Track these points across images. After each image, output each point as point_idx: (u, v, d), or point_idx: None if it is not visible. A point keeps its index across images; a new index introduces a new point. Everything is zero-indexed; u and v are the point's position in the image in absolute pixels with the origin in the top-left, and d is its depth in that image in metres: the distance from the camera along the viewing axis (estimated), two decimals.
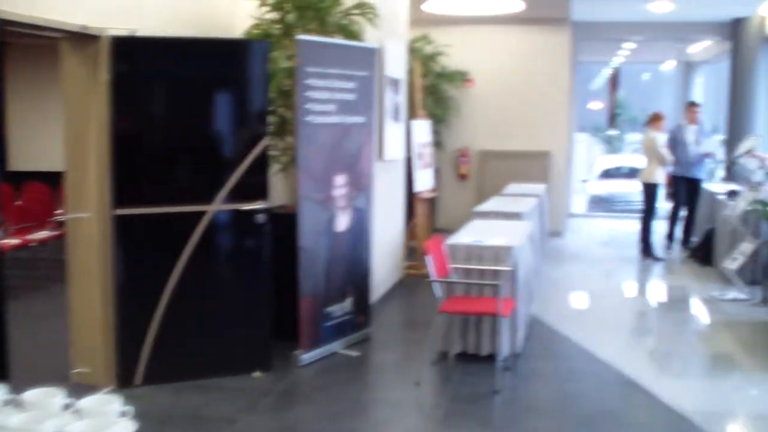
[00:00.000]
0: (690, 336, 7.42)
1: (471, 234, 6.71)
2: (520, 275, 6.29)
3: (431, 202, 10.97)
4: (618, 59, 22.40)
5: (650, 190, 10.69)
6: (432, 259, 5.81)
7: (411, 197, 9.83)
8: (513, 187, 11.02)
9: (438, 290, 5.88)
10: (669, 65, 24.97)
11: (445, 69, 12.37)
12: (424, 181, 9.88)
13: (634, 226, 14.23)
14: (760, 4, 12.78)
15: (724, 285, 8.96)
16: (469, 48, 12.70)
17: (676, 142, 10.87)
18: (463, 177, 12.94)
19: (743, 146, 8.57)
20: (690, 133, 11.09)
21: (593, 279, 9.73)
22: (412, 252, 9.88)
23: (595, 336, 7.14)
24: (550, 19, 12.47)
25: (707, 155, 11.14)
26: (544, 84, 12.66)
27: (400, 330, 7.82)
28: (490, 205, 9.07)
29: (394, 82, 8.50)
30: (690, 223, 11.41)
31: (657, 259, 10.73)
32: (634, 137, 28.16)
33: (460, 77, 12.44)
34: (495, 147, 12.82)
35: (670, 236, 11.47)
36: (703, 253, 10.39)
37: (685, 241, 11.47)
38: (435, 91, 12.26)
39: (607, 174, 20.58)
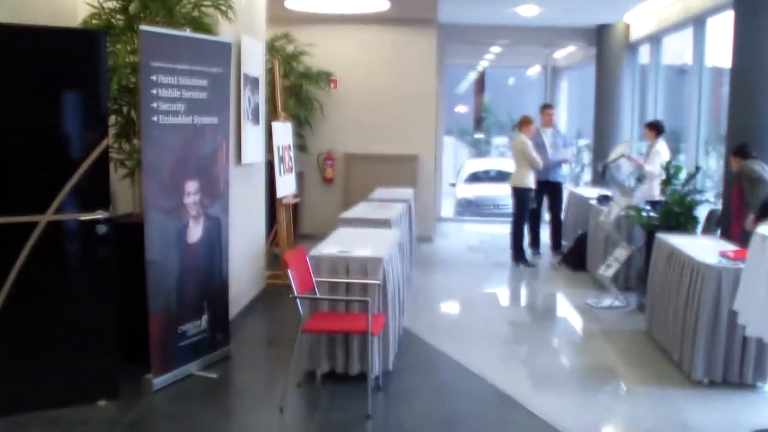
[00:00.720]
0: (567, 347, 7.17)
1: (337, 244, 6.22)
2: (390, 288, 5.84)
3: (295, 208, 10.45)
4: (484, 63, 22.45)
5: (521, 194, 10.49)
6: (293, 274, 5.28)
7: (273, 203, 9.27)
8: (380, 192, 10.63)
9: (302, 307, 5.36)
10: (534, 70, 25.29)
11: (309, 69, 11.86)
12: (286, 186, 9.33)
13: (504, 230, 14.21)
14: (625, 11, 12.90)
15: (598, 292, 8.83)
16: (333, 48, 12.24)
17: (535, 146, 10.74)
18: (328, 181, 12.46)
19: (615, 152, 8.43)
20: (546, 136, 10.99)
21: (465, 287, 9.41)
22: (275, 260, 9.32)
23: (469, 349, 6.79)
24: (418, 20, 12.15)
25: (562, 161, 11.10)
26: (411, 86, 12.33)
27: (263, 347, 7.24)
28: (357, 211, 8.63)
29: (253, 81, 7.91)
30: (557, 227, 11.32)
31: (529, 265, 10.54)
32: (500, 141, 28.43)
33: (324, 78, 11.96)
34: (361, 150, 12.40)
35: (535, 242, 11.30)
36: (575, 258, 10.28)
37: (555, 246, 11.37)
38: (298, 92, 11.73)
39: (475, 177, 20.54)
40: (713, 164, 11.22)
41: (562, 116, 20.33)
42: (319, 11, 11.33)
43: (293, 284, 5.26)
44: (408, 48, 12.30)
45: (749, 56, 7.91)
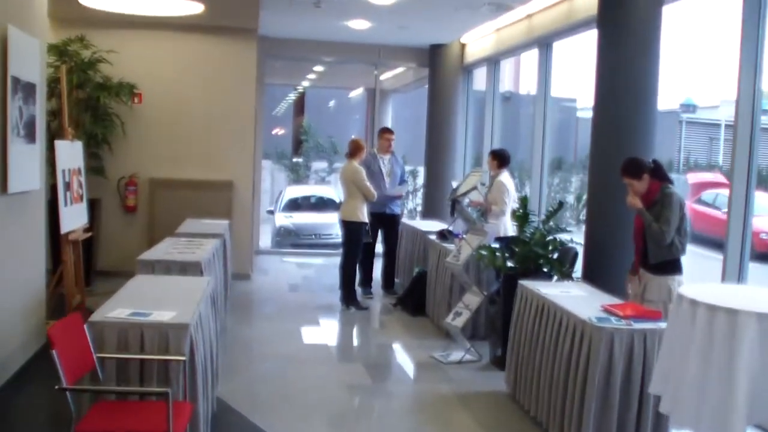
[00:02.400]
0: (418, 417, 5.95)
1: (130, 302, 4.70)
2: (199, 364, 4.41)
3: (89, 241, 8.74)
4: (306, 83, 21.26)
5: (353, 229, 9.25)
6: (60, 357, 3.74)
7: (58, 238, 7.56)
8: (190, 224, 9.11)
9: (73, 403, 3.83)
10: (357, 92, 24.40)
11: (109, 80, 10.15)
12: (74, 219, 7.62)
13: (328, 262, 13.01)
14: (463, 30, 12.07)
15: (445, 342, 7.73)
16: (138, 56, 10.56)
17: (370, 174, 9.60)
18: (130, 209, 10.73)
19: (466, 184, 7.33)
20: (384, 164, 9.88)
21: (290, 338, 8.01)
22: (61, 305, 7.62)
23: (298, 426, 5.43)
24: (237, 30, 10.71)
25: (396, 197, 10.02)
26: (228, 104, 10.85)
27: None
28: (161, 250, 7.09)
29: (26, 88, 6.22)
30: (391, 264, 10.18)
31: (361, 308, 9.31)
32: (320, 165, 27.31)
33: (126, 90, 10.24)
34: (169, 175, 10.75)
35: (368, 281, 10.09)
36: (413, 300, 9.16)
37: (388, 284, 10.22)
38: (95, 106, 9.99)
39: (295, 204, 19.23)
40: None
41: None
42: (122, 12, 9.66)
43: (60, 371, 3.72)
44: (225, 61, 10.82)
45: (614, 79, 7.08)
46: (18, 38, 5.97)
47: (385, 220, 9.86)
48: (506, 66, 13.44)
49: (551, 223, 6.98)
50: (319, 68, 16.84)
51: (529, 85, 15.63)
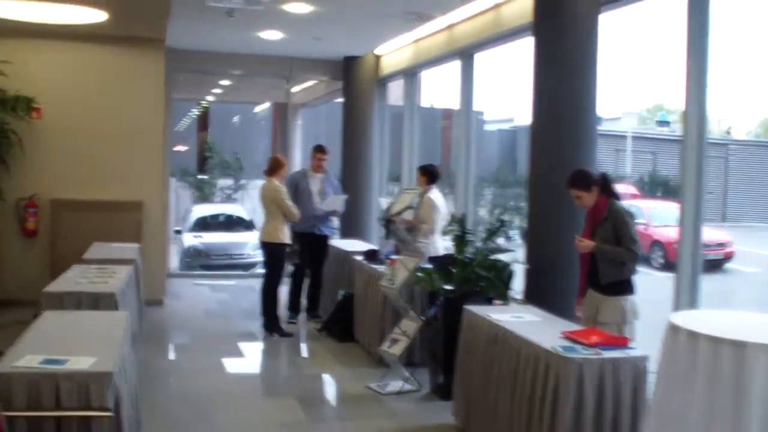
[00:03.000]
0: None
1: (41, 345, 4.08)
2: (125, 415, 3.83)
3: None
4: (210, 97, 20.54)
5: (274, 251, 8.71)
6: None
7: None
8: (98, 249, 8.44)
9: None
10: (263, 107, 23.79)
11: (3, 93, 9.34)
12: None
13: (243, 284, 12.41)
14: (379, 41, 11.68)
15: (379, 370, 7.26)
16: (36, 68, 9.79)
17: (298, 193, 9.08)
18: (30, 233, 9.91)
19: (399, 202, 6.88)
20: (315, 183, 9.36)
21: (213, 371, 7.38)
22: None
23: None
24: (144, 40, 10.04)
25: (332, 213, 9.49)
26: (135, 119, 10.15)
27: None
28: (69, 280, 6.40)
29: None
30: (316, 287, 9.65)
31: (284, 335, 8.76)
32: (225, 183, 26.55)
33: (23, 105, 9.44)
34: (73, 195, 9.97)
35: (295, 306, 9.54)
36: (340, 326, 8.65)
37: (312, 308, 9.68)
38: None
39: (204, 224, 18.48)
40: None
41: (296, 157, 18.96)
42: (17, 19, 8.88)
43: None
44: (132, 73, 10.12)
45: (553, 90, 6.79)
46: None
47: (313, 241, 9.32)
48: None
49: (492, 242, 6.62)
50: (225, 82, 16.21)
51: (437, 99, 15.39)
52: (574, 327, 5.16)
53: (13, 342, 7.56)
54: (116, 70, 10.10)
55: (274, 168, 8.70)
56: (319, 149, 9.47)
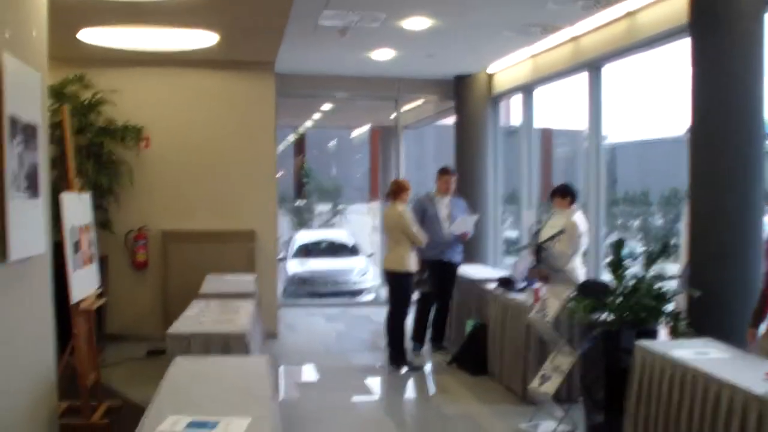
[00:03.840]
0: None
1: (177, 401, 3.55)
2: None
3: (98, 311, 7.57)
4: (310, 123, 20.23)
5: (400, 280, 8.12)
6: None
7: (66, 308, 6.38)
8: (213, 281, 8.01)
9: None
10: (359, 131, 23.41)
11: (112, 123, 9.08)
12: (85, 284, 6.46)
13: (353, 312, 11.91)
14: (490, 59, 11.08)
15: (520, 407, 6.60)
16: (144, 96, 9.51)
17: (426, 218, 8.50)
18: (140, 266, 9.59)
19: (550, 227, 6.17)
20: (443, 207, 8.77)
21: (342, 413, 6.81)
22: (72, 384, 6.44)
23: None
24: (253, 64, 9.69)
25: (462, 236, 8.85)
26: (245, 146, 9.79)
27: None
28: (191, 320, 5.91)
29: (27, 130, 5.08)
30: (443, 317, 9.01)
31: (414, 369, 8.16)
32: (323, 208, 26.30)
33: (132, 134, 9.17)
34: (183, 226, 9.64)
35: (421, 336, 8.92)
36: (472, 358, 8.01)
37: (437, 339, 9.04)
38: (98, 153, 8.91)
39: (306, 250, 18.08)
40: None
41: None
42: (125, 47, 8.60)
43: None
44: (241, 98, 9.77)
45: (715, 95, 6.05)
46: (16, 69, 4.86)
47: (442, 268, 8.71)
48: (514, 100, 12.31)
49: (655, 269, 5.88)
50: (327, 106, 15.81)
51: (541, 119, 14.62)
52: None
53: (128, 381, 7.27)
54: (227, 96, 9.76)
55: (397, 192, 8.15)
56: (445, 171, 8.89)
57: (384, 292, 16.33)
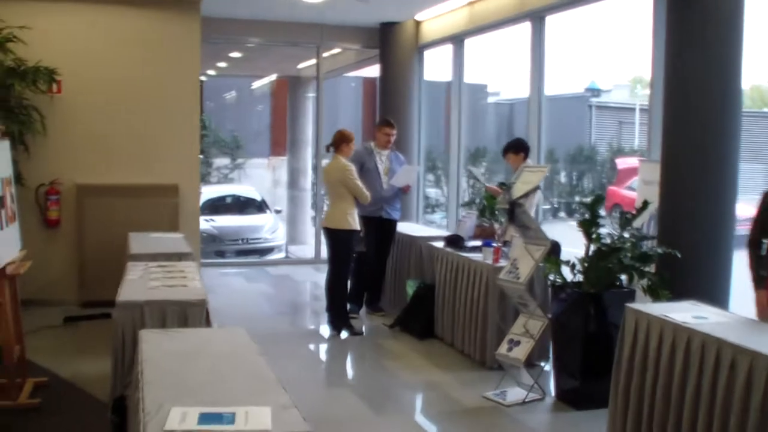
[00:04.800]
0: None
1: (173, 390, 3.04)
2: None
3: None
4: (213, 71, 19.31)
5: (342, 238, 7.65)
6: None
7: None
8: (140, 241, 7.33)
9: None
10: (261, 82, 22.58)
11: (22, 64, 8.21)
12: (10, 246, 5.74)
13: (277, 272, 11.42)
14: (420, 6, 10.62)
15: (482, 373, 6.38)
16: (58, 35, 8.64)
17: (363, 172, 8.05)
18: (53, 224, 8.79)
19: (524, 183, 5.78)
20: (382, 161, 8.34)
21: (297, 388, 6.30)
22: None
23: None
24: (178, 3, 8.93)
25: (404, 189, 8.45)
26: (169, 93, 9.06)
27: None
28: (139, 286, 5.27)
29: None
30: (380, 278, 8.62)
31: (355, 333, 7.76)
32: (221, 162, 25.32)
33: (45, 77, 8.31)
34: (98, 180, 8.87)
35: (358, 298, 8.51)
36: (416, 320, 7.67)
37: (374, 301, 8.66)
38: (5, 97, 8.05)
39: (213, 207, 17.30)
40: None
41: (308, 133, 17.90)
42: None
43: None
44: (165, 41, 9.02)
45: (692, 59, 5.81)
46: None
47: (380, 226, 8.30)
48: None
49: (634, 228, 5.65)
50: (236, 54, 15.03)
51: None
52: None
53: (50, 353, 6.59)
54: (149, 38, 8.98)
55: (339, 143, 7.63)
56: (386, 124, 8.43)
57: (296, 250, 15.95)
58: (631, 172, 18.36)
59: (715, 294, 5.52)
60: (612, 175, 18.69)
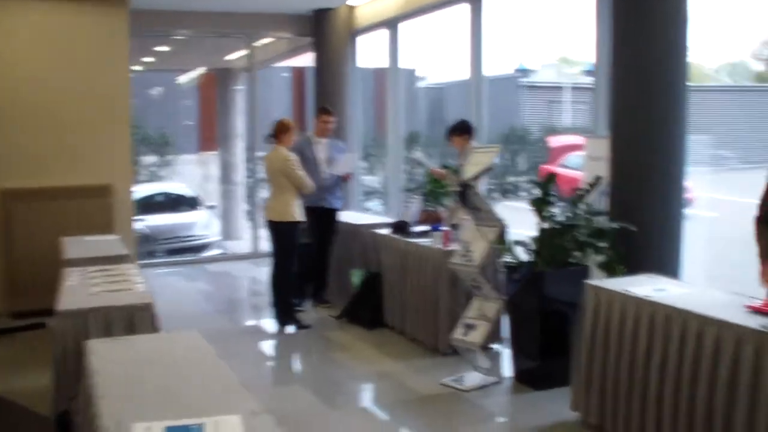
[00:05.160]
0: None
1: (133, 402, 2.84)
2: None
3: None
4: (139, 67, 18.79)
5: (286, 231, 7.44)
6: None
7: None
8: (75, 246, 6.99)
9: None
10: (190, 75, 22.08)
11: None
12: None
13: (213, 270, 11.16)
14: None
15: (435, 360, 6.29)
16: None
17: (303, 162, 7.84)
18: None
19: (476, 164, 5.62)
20: (322, 149, 8.14)
21: (249, 380, 6.08)
22: None
23: None
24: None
25: (345, 177, 8.28)
26: (96, 90, 8.68)
27: None
28: (79, 293, 5.00)
29: None
30: (324, 268, 8.44)
31: (303, 327, 7.57)
32: (149, 160, 24.75)
33: None
34: (25, 183, 8.46)
35: (303, 291, 8.30)
36: (365, 310, 7.53)
37: (319, 293, 8.47)
38: None
39: (143, 205, 16.84)
40: None
41: (237, 126, 17.59)
42: None
43: None
44: (92, 36, 8.62)
45: (636, 40, 5.76)
46: None
47: (322, 216, 8.11)
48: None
49: (585, 205, 5.60)
50: (162, 48, 14.62)
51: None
52: (743, 298, 4.19)
53: None
54: (76, 33, 8.58)
55: (280, 132, 7.41)
56: (325, 111, 8.25)
57: (232, 245, 15.65)
58: (564, 149, 18.51)
59: (669, 266, 5.49)
60: (544, 154, 18.83)
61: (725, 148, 15.85)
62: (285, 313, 7.60)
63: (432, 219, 7.45)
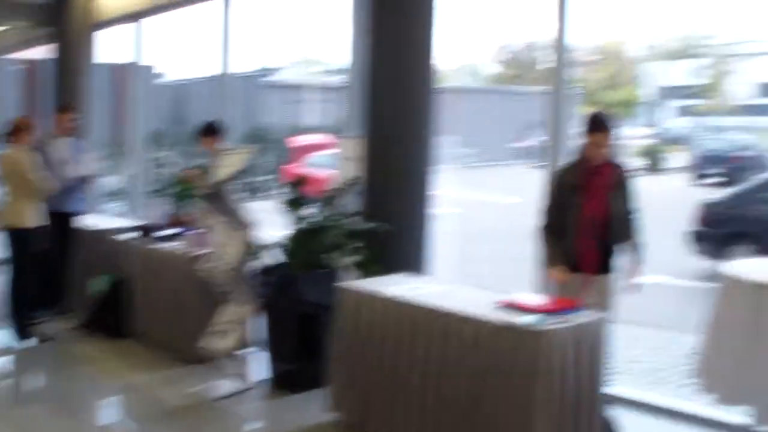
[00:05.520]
0: None
1: None
2: None
3: None
4: None
5: (20, 238, 6.82)
6: None
7: None
8: None
9: None
10: None
11: None
12: None
13: None
14: None
15: (184, 370, 6.03)
16: None
17: (45, 162, 7.25)
18: None
19: (230, 165, 5.41)
20: (62, 149, 7.56)
21: None
22: None
23: None
24: None
25: (86, 179, 7.76)
26: None
27: None
28: None
29: None
30: (62, 277, 7.82)
31: (45, 339, 6.99)
32: None
33: None
34: None
35: (44, 302, 7.66)
36: (107, 320, 7.09)
37: (56, 302, 7.84)
38: None
39: None
40: None
41: None
42: None
43: None
44: None
45: (391, 41, 5.89)
46: None
47: (62, 221, 7.52)
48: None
49: (338, 205, 5.62)
50: None
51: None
52: (505, 296, 4.39)
53: None
54: None
55: (17, 132, 6.80)
56: (67, 108, 7.73)
57: None
58: (306, 149, 18.55)
59: (420, 264, 5.66)
60: (284, 155, 18.83)
61: (467, 146, 16.71)
62: (24, 325, 6.99)
63: (181, 222, 7.17)
